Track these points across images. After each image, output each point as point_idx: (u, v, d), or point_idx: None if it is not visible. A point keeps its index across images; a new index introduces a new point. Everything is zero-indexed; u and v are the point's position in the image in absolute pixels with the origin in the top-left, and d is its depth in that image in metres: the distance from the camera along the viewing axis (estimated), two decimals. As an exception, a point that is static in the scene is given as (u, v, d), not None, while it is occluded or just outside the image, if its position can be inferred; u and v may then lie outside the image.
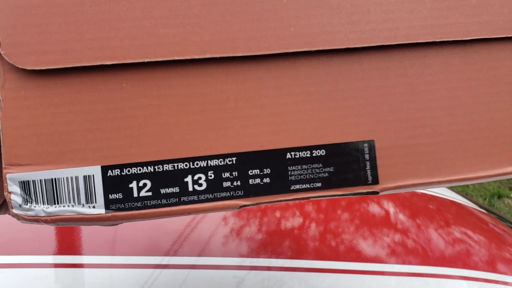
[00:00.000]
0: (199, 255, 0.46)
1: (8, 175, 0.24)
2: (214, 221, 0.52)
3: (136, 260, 0.45)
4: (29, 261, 0.44)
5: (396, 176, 0.26)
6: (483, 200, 1.77)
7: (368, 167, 0.26)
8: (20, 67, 0.24)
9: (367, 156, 0.26)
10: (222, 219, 0.53)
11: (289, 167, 0.26)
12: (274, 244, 0.49)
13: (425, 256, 0.51)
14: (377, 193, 0.26)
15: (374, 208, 0.58)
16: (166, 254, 0.46)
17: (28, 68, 0.24)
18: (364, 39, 0.26)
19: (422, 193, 0.66)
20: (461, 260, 0.52)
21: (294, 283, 0.44)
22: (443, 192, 0.70)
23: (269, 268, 0.46)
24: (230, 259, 0.46)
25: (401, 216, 0.58)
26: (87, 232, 0.49)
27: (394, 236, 0.54)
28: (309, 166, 0.26)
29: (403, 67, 0.27)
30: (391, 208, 0.59)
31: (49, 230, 0.49)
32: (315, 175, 0.26)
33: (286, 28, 0.26)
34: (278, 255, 0.47)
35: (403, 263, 0.49)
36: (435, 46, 0.27)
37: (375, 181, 0.26)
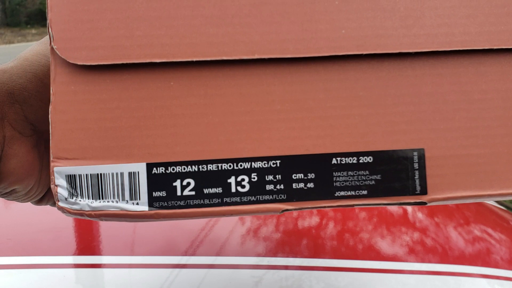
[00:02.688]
0: (217, 254, 0.46)
1: (55, 168, 0.24)
2: (231, 220, 0.52)
3: (155, 260, 0.45)
4: (48, 262, 0.45)
5: (445, 187, 0.25)
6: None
7: (416, 176, 0.25)
8: (71, 62, 0.24)
9: (416, 165, 0.25)
10: (239, 219, 0.52)
11: (334, 173, 0.25)
12: (292, 243, 0.49)
13: (445, 254, 0.50)
14: (424, 203, 0.25)
15: (392, 206, 0.57)
16: (184, 254, 0.46)
17: (79, 63, 0.24)
18: (418, 44, 0.25)
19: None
20: (481, 258, 0.51)
21: (312, 282, 0.44)
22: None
23: (286, 267, 0.45)
24: (247, 259, 0.46)
25: (419, 214, 0.57)
26: (106, 232, 0.49)
27: (413, 234, 0.52)
28: (355, 173, 0.25)
29: (457, 74, 0.26)
30: (409, 206, 0.58)
31: (69, 231, 0.50)
32: (361, 182, 0.25)
33: (336, 30, 0.25)
34: (295, 254, 0.47)
35: (422, 261, 0.48)
36: (492, 54, 0.26)
37: (424, 191, 0.25)
